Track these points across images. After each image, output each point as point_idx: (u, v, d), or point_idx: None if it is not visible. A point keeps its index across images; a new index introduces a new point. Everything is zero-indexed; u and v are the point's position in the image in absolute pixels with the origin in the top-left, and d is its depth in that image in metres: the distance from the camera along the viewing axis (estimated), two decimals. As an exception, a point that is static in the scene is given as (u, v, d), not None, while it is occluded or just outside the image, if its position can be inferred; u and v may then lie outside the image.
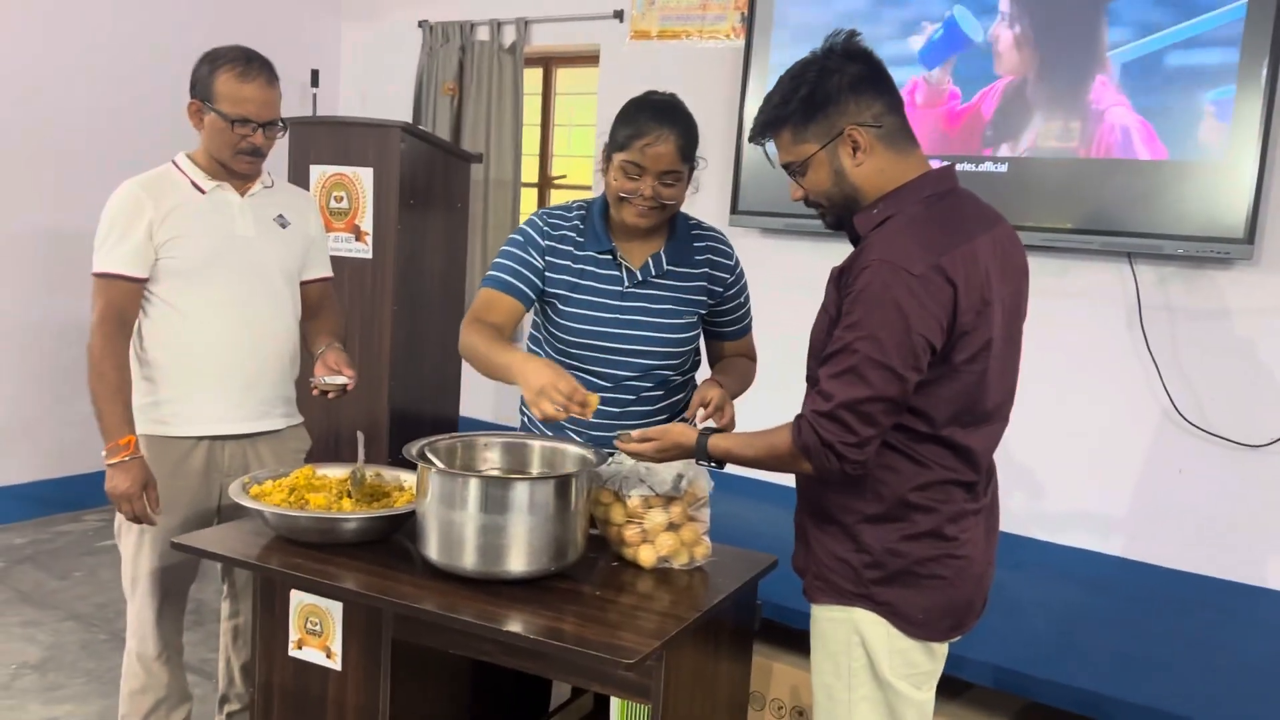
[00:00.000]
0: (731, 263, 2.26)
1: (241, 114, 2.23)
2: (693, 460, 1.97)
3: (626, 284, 2.16)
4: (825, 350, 1.63)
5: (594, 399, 1.86)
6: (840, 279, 1.66)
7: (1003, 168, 3.48)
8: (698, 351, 2.32)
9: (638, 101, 2.11)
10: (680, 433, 1.81)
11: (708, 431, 1.79)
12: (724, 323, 2.29)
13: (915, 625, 1.69)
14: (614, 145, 2.08)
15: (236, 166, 2.30)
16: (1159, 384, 3.37)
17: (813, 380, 1.70)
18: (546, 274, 2.16)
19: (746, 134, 3.96)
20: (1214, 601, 3.13)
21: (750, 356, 2.36)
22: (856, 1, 3.78)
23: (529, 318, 2.27)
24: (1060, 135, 3.43)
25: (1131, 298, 3.41)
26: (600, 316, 2.15)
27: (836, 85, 1.66)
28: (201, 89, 2.26)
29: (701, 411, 2.08)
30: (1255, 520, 3.28)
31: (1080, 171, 3.41)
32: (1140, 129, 3.30)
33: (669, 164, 2.04)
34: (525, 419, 2.33)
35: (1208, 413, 3.34)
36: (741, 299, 2.29)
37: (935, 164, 1.74)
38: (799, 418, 1.63)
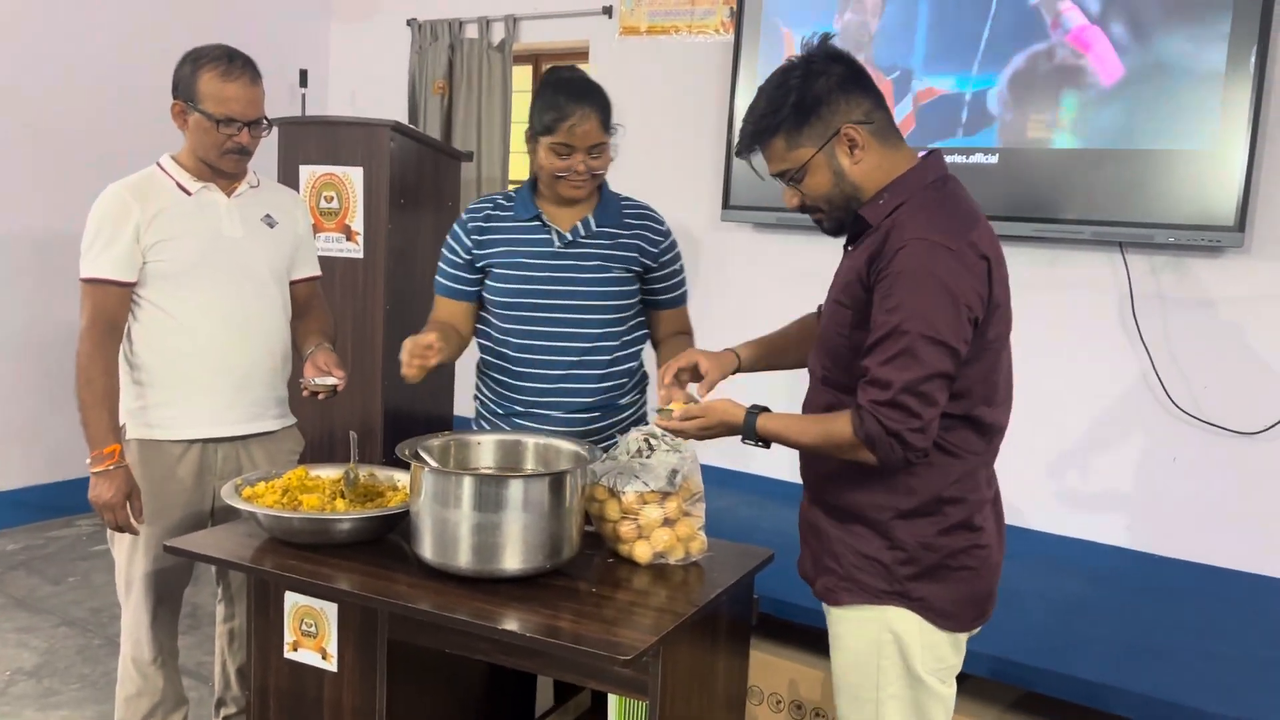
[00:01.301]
0: (664, 229, 2.34)
1: (226, 113, 2.22)
2: (691, 455, 1.97)
3: (557, 245, 2.24)
4: (869, 340, 1.60)
5: (430, 336, 2.02)
6: (870, 267, 1.63)
7: (993, 159, 3.48)
8: (641, 325, 2.36)
9: (552, 84, 2.21)
10: (725, 410, 1.76)
11: (755, 410, 1.74)
12: (660, 289, 2.34)
13: (946, 618, 1.71)
14: (540, 129, 2.18)
15: (224, 166, 2.29)
16: (1152, 373, 3.38)
17: (827, 376, 1.72)
18: (476, 252, 2.28)
19: (736, 131, 3.97)
20: (1211, 589, 3.14)
21: (688, 333, 2.42)
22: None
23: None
24: (1050, 125, 3.43)
25: (1123, 287, 3.41)
26: (533, 276, 2.23)
27: (826, 86, 1.66)
28: (184, 89, 2.24)
29: (694, 387, 2.01)
30: (1251, 507, 3.29)
31: (1070, 162, 3.41)
32: (1128, 117, 3.30)
33: (595, 139, 2.17)
34: (477, 410, 2.42)
35: (1201, 401, 3.34)
36: (676, 266, 2.36)
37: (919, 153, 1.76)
38: (858, 408, 1.60)
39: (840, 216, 1.74)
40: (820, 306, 2.10)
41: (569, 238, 2.24)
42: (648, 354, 2.42)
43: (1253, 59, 3.09)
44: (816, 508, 1.82)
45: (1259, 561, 3.26)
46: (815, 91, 1.66)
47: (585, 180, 2.20)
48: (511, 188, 4.89)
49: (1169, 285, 3.38)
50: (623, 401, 2.34)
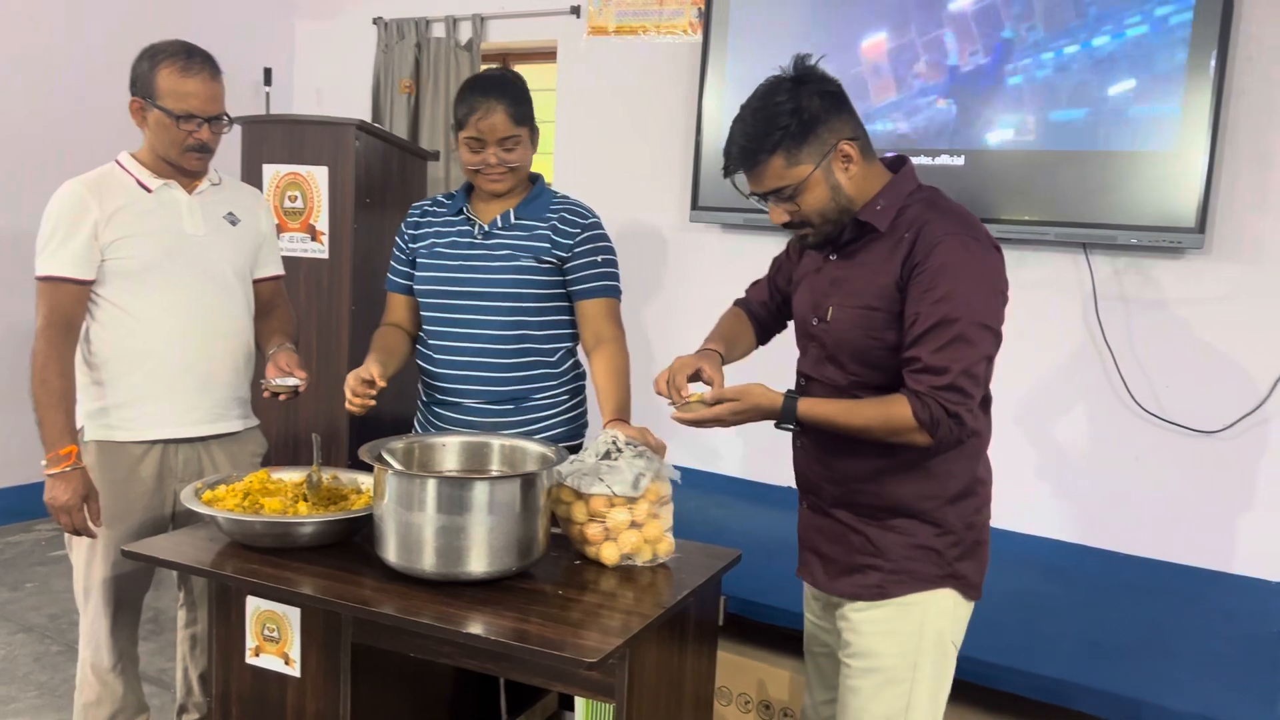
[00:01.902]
0: (584, 220, 2.30)
1: (186, 109, 2.19)
2: (658, 458, 1.96)
3: (476, 235, 2.29)
4: (914, 331, 1.66)
5: (372, 368, 2.09)
6: (903, 267, 1.70)
7: (959, 160, 3.50)
8: (563, 324, 2.33)
9: (468, 82, 2.28)
10: (761, 394, 1.77)
11: (793, 394, 1.77)
12: (576, 279, 2.29)
13: (974, 589, 1.83)
14: (456, 126, 2.25)
15: (186, 164, 2.26)
16: (1115, 373, 3.41)
17: (858, 381, 1.77)
18: (411, 246, 2.37)
19: (704, 131, 3.98)
20: (1172, 586, 3.17)
21: (613, 327, 2.29)
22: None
23: None
24: (1016, 128, 3.46)
25: (1087, 287, 3.44)
26: (449, 265, 2.30)
27: (821, 105, 1.71)
28: (143, 86, 2.21)
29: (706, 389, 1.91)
30: (1212, 505, 3.33)
31: (1036, 164, 3.43)
32: (1091, 119, 3.34)
33: (504, 131, 2.19)
34: (418, 418, 2.45)
35: (1163, 400, 3.38)
36: (597, 258, 2.30)
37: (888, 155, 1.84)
38: (916, 394, 1.65)
39: (830, 230, 1.78)
40: (746, 300, 2.18)
41: (487, 229, 2.28)
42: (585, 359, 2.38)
43: (1213, 62, 3.13)
44: (844, 510, 1.85)
45: (1219, 559, 3.30)
46: (813, 109, 1.70)
47: (502, 174, 2.23)
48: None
49: (1131, 286, 3.42)
50: (540, 399, 2.31)
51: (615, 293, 2.34)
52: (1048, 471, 3.57)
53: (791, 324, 2.02)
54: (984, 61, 3.50)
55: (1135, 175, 3.28)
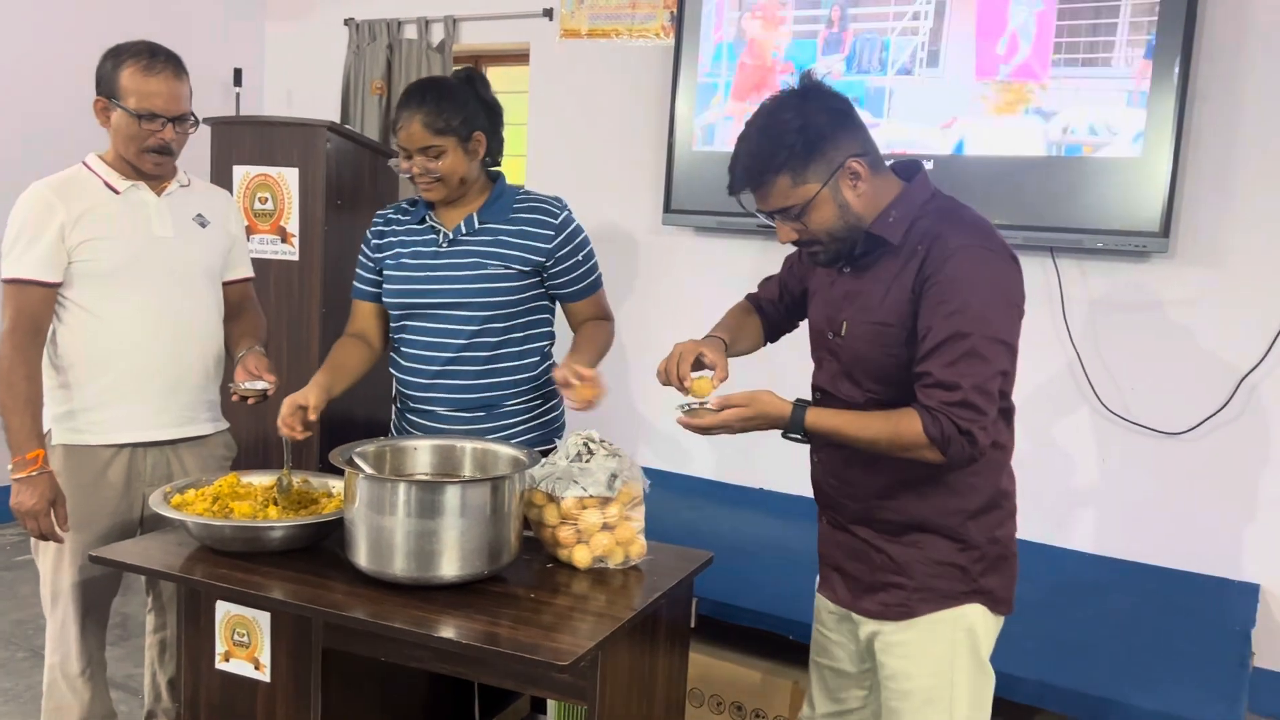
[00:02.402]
0: (556, 221, 2.28)
1: (148, 109, 2.17)
2: (629, 460, 1.97)
3: (441, 244, 2.28)
4: (925, 345, 1.63)
5: (310, 395, 2.08)
6: (916, 279, 1.66)
7: (929, 165, 3.53)
8: (535, 326, 2.33)
9: (405, 88, 2.27)
10: (769, 401, 1.72)
11: (802, 403, 1.72)
12: (561, 283, 2.31)
13: (1003, 604, 1.80)
14: (394, 133, 2.25)
15: (144, 166, 2.24)
16: (1082, 375, 3.45)
17: (875, 398, 1.74)
18: (376, 256, 2.35)
19: (678, 134, 3.99)
20: (1138, 586, 3.21)
21: (603, 317, 2.40)
22: (783, 5, 3.81)
23: None
24: (984, 131, 3.49)
25: (1054, 291, 3.48)
26: (417, 275, 2.28)
27: (826, 122, 1.67)
28: (106, 85, 2.19)
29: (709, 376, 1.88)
30: (1177, 506, 3.38)
31: (1003, 168, 3.47)
32: (1058, 124, 3.38)
33: (421, 141, 2.18)
34: (393, 423, 2.46)
35: (1129, 402, 3.42)
36: (579, 257, 2.31)
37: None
38: (927, 409, 1.61)
39: (840, 248, 1.75)
40: (756, 296, 2.12)
41: (452, 236, 2.27)
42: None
43: (1176, 69, 3.17)
44: (864, 527, 1.81)
45: (1185, 559, 3.35)
46: (819, 127, 1.66)
47: (430, 183, 2.21)
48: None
49: (1098, 289, 3.46)
50: (512, 405, 2.31)
51: (599, 285, 2.37)
52: (1014, 472, 3.60)
53: (804, 326, 1.98)
54: (956, 64, 3.53)
55: (1101, 180, 3.32)
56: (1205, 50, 3.24)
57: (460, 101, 2.20)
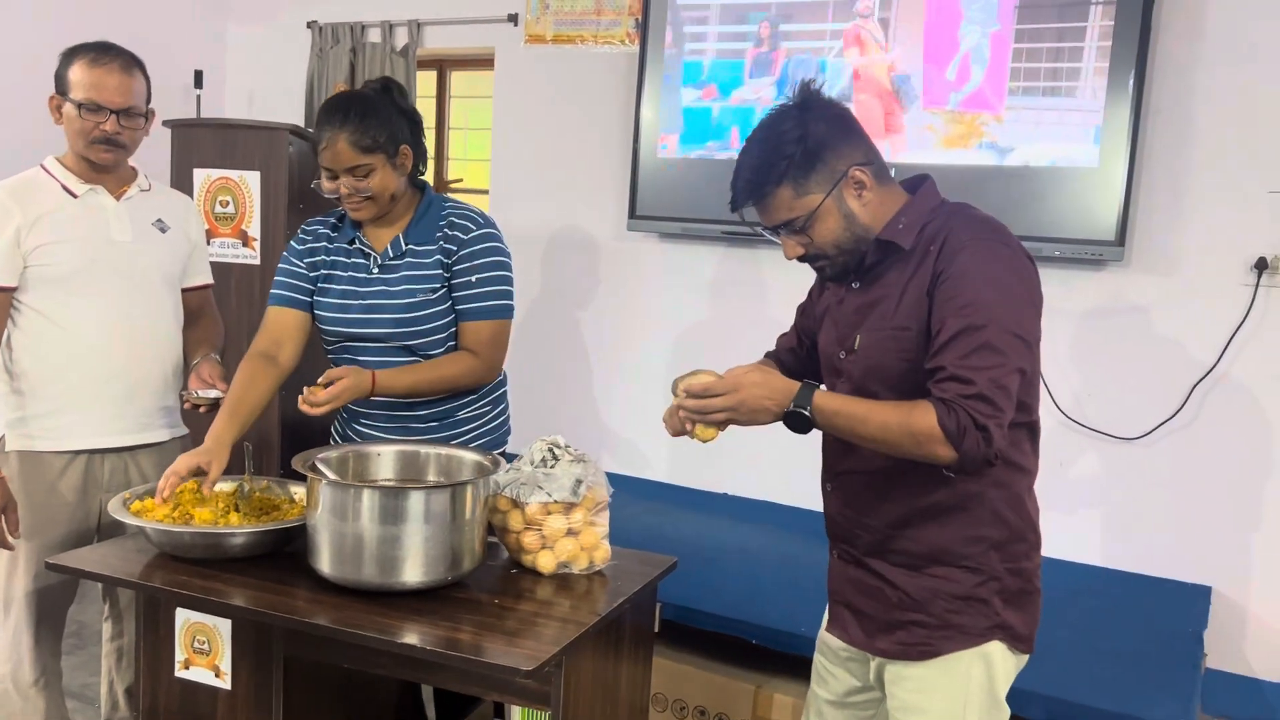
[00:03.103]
0: (466, 236, 2.18)
1: (93, 99, 2.15)
2: (594, 465, 1.97)
3: (371, 269, 2.20)
4: (938, 341, 1.55)
5: (215, 460, 1.96)
6: (933, 271, 1.59)
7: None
8: None
9: (323, 105, 2.16)
10: (762, 380, 1.61)
11: (812, 384, 1.62)
12: (456, 298, 2.19)
13: (1024, 641, 1.71)
14: (315, 154, 2.14)
15: (93, 157, 2.21)
16: (1040, 380, 3.50)
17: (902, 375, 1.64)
18: (310, 274, 2.24)
19: (643, 140, 4.01)
20: (1094, 588, 3.27)
21: (476, 353, 2.19)
22: (748, 12, 3.84)
23: None
24: (942, 141, 3.54)
25: (1013, 298, 3.53)
26: (349, 304, 2.20)
27: (827, 131, 1.63)
28: (59, 82, 2.19)
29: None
30: (1133, 510, 3.44)
31: (963, 178, 3.52)
32: (1017, 135, 3.43)
33: (348, 161, 2.08)
34: (335, 431, 2.38)
35: (1085, 407, 3.48)
36: (473, 278, 2.17)
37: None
38: (943, 401, 1.51)
39: (847, 261, 1.69)
40: (773, 353, 2.03)
41: (380, 260, 2.19)
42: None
43: (1131, 82, 3.24)
44: (878, 560, 1.73)
45: (1140, 562, 3.41)
46: (820, 136, 1.62)
47: (358, 203, 2.12)
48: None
49: (1055, 297, 3.47)
50: (463, 415, 2.27)
51: (488, 314, 2.19)
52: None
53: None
54: (914, 74, 3.58)
55: (1058, 190, 3.38)
56: (1159, 65, 3.31)
57: (384, 115, 2.10)
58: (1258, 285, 3.23)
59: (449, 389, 2.20)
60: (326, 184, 2.14)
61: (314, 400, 1.99)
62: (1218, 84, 3.26)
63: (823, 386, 1.66)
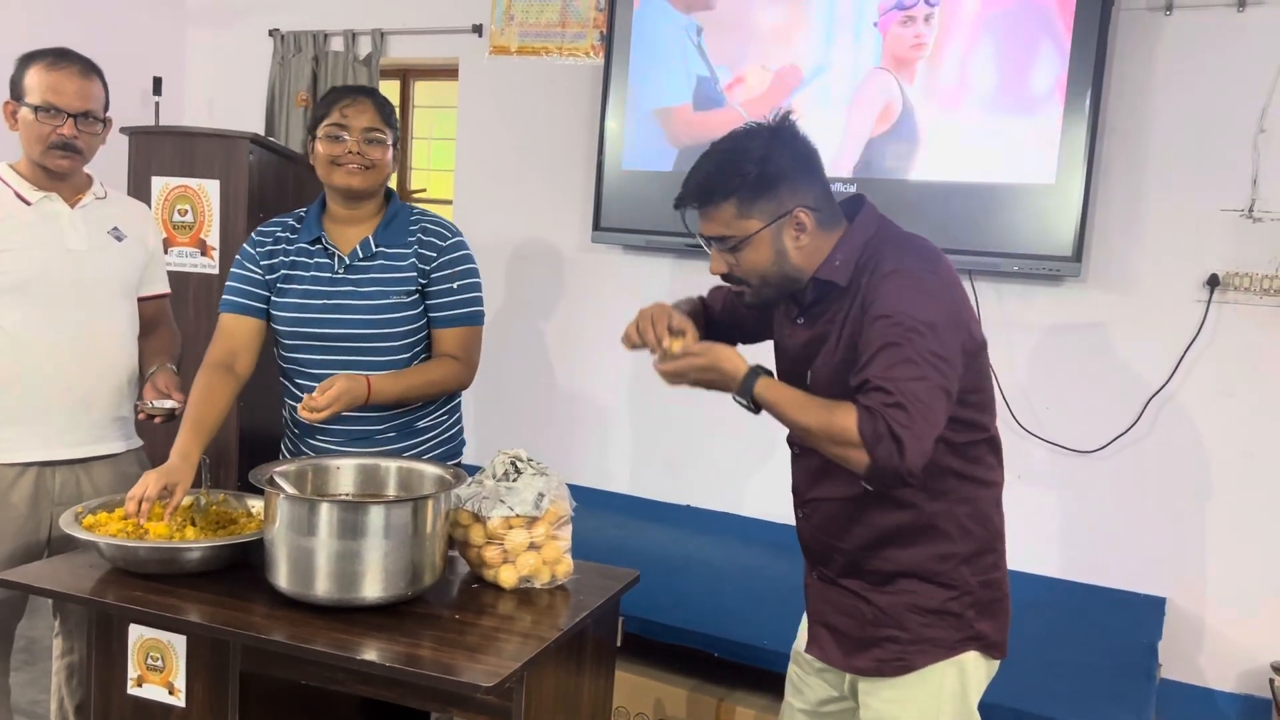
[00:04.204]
0: (444, 243, 2.20)
1: (49, 102, 2.13)
2: (556, 479, 1.96)
3: (336, 269, 2.18)
4: (863, 360, 1.57)
5: (179, 477, 1.94)
6: (865, 306, 1.61)
7: (852, 189, 3.60)
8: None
9: (334, 88, 2.30)
10: (729, 357, 1.65)
11: (759, 370, 1.64)
12: (434, 306, 2.20)
13: (997, 648, 1.75)
14: (316, 122, 2.17)
15: (49, 163, 2.18)
16: (998, 393, 3.54)
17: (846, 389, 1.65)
18: (268, 278, 2.22)
19: (607, 153, 4.02)
20: (1051, 600, 3.30)
21: (457, 357, 2.22)
22: (714, 23, 3.86)
23: None
24: (902, 157, 3.58)
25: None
26: (311, 303, 2.17)
27: (787, 164, 1.64)
28: (15, 88, 2.17)
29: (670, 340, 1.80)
30: (1088, 522, 3.49)
31: (923, 193, 3.56)
32: (977, 152, 3.48)
33: (369, 121, 2.14)
34: (286, 448, 2.33)
35: (1043, 420, 3.53)
36: (453, 285, 2.20)
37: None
38: (866, 408, 1.52)
39: (769, 295, 1.71)
40: (708, 297, 2.04)
41: (347, 261, 2.18)
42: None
43: (1088, 100, 3.29)
44: (853, 579, 1.76)
45: (1097, 573, 3.45)
46: (779, 165, 1.63)
47: (359, 166, 2.13)
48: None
49: (1014, 311, 3.56)
50: (421, 424, 2.25)
51: (468, 320, 2.22)
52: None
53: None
54: (875, 92, 3.61)
55: (1017, 207, 3.43)
56: (1115, 83, 3.37)
57: (395, 112, 2.23)
58: (1210, 302, 3.29)
59: (437, 393, 2.22)
60: (329, 147, 2.14)
61: (315, 406, 1.97)
62: (1172, 105, 3.32)
63: (770, 372, 1.68)
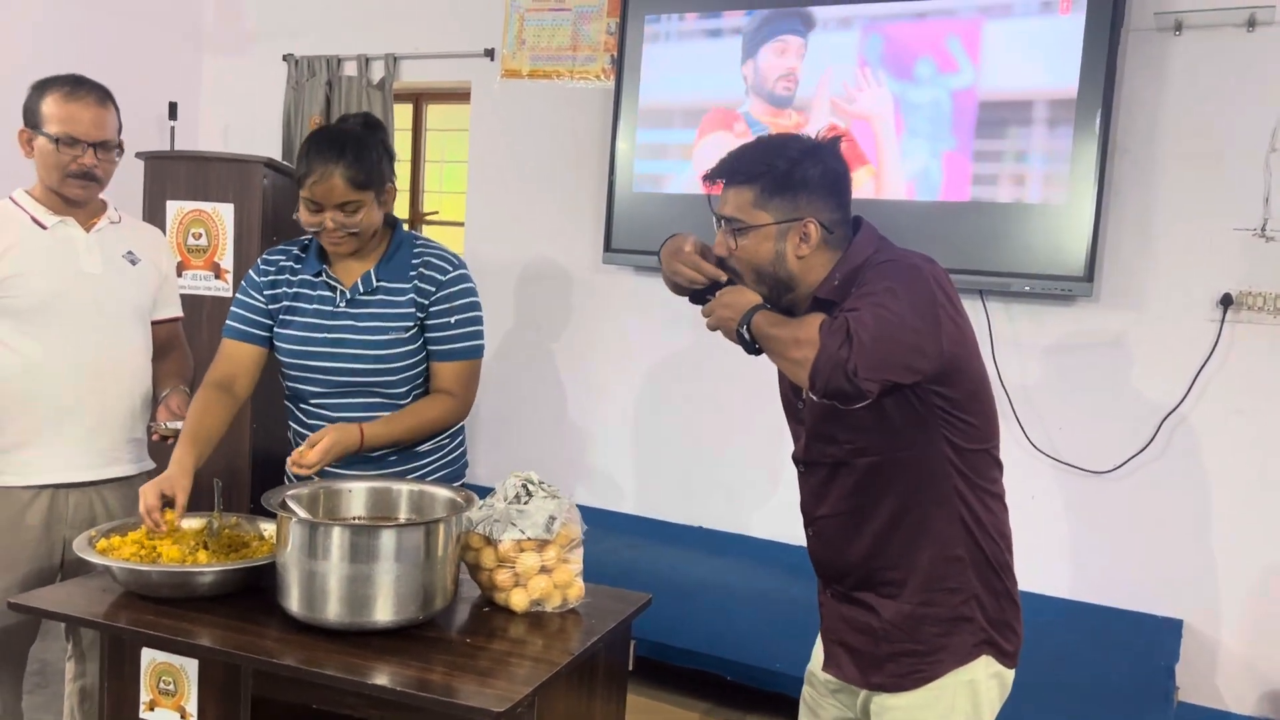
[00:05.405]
0: (443, 277, 2.17)
1: (68, 133, 2.15)
2: (568, 502, 1.95)
3: (338, 303, 2.17)
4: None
5: (178, 486, 1.95)
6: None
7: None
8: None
9: (310, 137, 2.13)
10: (744, 289, 1.69)
11: (763, 306, 1.67)
12: (431, 339, 2.18)
13: (1010, 657, 1.76)
14: (297, 184, 2.11)
15: (68, 192, 2.20)
16: (1011, 414, 3.53)
17: (860, 449, 1.71)
18: (270, 307, 2.21)
19: (618, 174, 4.03)
20: (1066, 622, 3.28)
21: (452, 392, 2.20)
22: (722, 48, 3.88)
23: None
24: (915, 177, 3.58)
25: (984, 333, 3.57)
26: (312, 337, 2.17)
27: (819, 174, 1.68)
28: (30, 116, 2.18)
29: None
30: (1104, 543, 3.46)
31: (934, 214, 3.56)
32: (988, 173, 3.48)
33: (340, 196, 2.07)
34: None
35: (1056, 441, 3.51)
36: (450, 320, 2.18)
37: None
38: (834, 316, 1.55)
39: (760, 294, 1.71)
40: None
41: (349, 295, 2.16)
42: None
43: (1098, 121, 3.29)
44: (866, 592, 1.76)
45: (1109, 595, 3.42)
46: (807, 172, 1.67)
47: (341, 238, 2.10)
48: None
49: (1025, 331, 3.55)
50: (423, 448, 2.24)
51: (464, 355, 2.20)
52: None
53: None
54: (886, 112, 3.62)
55: (1028, 227, 3.43)
56: (1125, 104, 3.37)
57: (375, 154, 2.11)
58: (1223, 321, 3.28)
59: (434, 432, 2.20)
60: (308, 217, 2.10)
61: (304, 463, 1.96)
62: (1182, 124, 3.32)
63: (767, 308, 1.69)
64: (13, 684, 2.27)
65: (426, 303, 2.16)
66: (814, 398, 1.68)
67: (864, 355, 1.49)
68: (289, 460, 1.99)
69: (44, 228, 2.21)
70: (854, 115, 3.67)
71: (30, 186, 2.25)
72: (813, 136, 1.73)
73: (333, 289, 2.18)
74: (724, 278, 1.78)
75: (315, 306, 2.18)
